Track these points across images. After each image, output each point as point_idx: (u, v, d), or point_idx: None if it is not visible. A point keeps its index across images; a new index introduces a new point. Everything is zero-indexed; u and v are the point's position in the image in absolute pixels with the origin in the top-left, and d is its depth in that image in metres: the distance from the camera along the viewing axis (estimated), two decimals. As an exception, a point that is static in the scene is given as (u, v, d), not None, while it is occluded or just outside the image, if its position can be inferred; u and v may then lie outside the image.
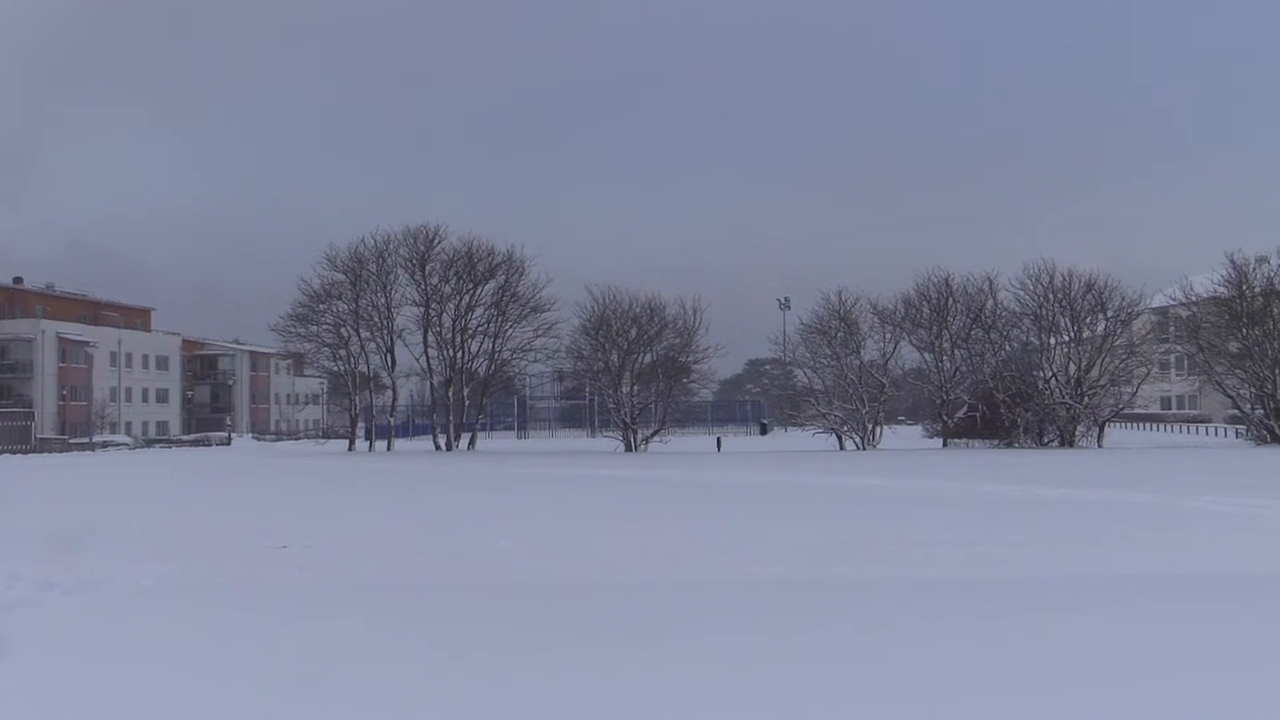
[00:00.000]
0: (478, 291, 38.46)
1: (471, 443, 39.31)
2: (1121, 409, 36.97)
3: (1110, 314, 35.60)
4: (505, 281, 38.25)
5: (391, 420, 42.23)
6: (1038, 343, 36.65)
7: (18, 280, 68.02)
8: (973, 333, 36.51)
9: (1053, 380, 35.54)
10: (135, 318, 76.13)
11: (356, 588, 7.47)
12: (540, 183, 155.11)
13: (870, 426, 36.17)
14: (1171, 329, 40.23)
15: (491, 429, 53.38)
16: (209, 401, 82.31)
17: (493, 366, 39.42)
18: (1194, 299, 36.71)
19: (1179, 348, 40.41)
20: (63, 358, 64.68)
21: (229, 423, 76.01)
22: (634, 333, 37.28)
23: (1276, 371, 33.70)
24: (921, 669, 4.72)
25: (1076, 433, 35.11)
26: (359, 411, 41.17)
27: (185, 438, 60.98)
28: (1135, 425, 52.64)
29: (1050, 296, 35.71)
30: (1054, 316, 35.84)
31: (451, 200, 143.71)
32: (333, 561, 8.74)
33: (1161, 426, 55.68)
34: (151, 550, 9.48)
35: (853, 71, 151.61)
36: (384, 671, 4.80)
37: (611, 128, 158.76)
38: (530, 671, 4.80)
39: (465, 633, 5.71)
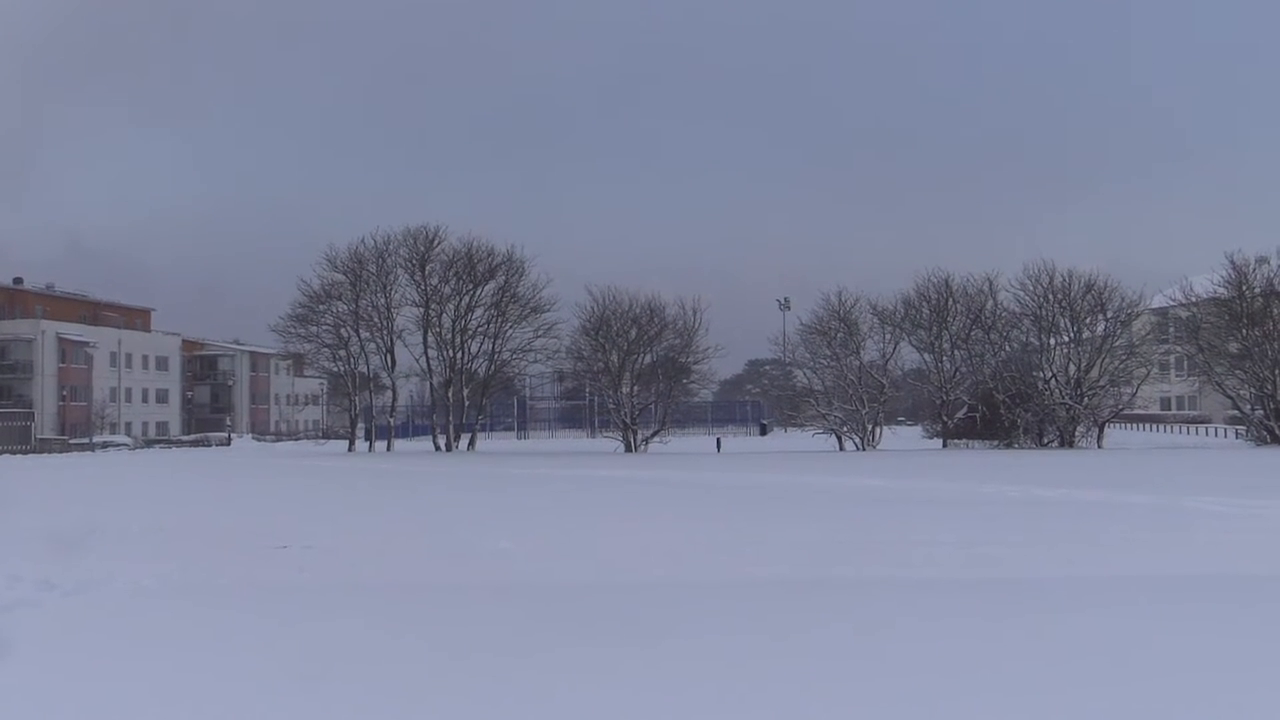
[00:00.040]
0: (478, 292, 38.49)
1: (471, 443, 39.31)
2: (1121, 410, 36.99)
3: (1110, 314, 35.62)
4: (505, 282, 38.28)
5: (391, 421, 42.25)
6: (1037, 343, 36.67)
7: (18, 280, 68.02)
8: (972, 333, 36.53)
9: (1052, 381, 35.55)
10: (135, 318, 76.12)
11: (356, 588, 7.47)
12: (540, 183, 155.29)
13: (870, 427, 36.18)
14: (1171, 330, 40.25)
15: (491, 429, 53.37)
16: (209, 402, 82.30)
17: (492, 367, 39.44)
18: (1194, 299, 36.72)
19: (1179, 348, 40.44)
20: (63, 358, 64.67)
21: (229, 423, 75.98)
22: (634, 333, 37.30)
23: (1276, 372, 33.70)
24: (921, 669, 4.73)
25: (1076, 433, 35.12)
26: (359, 412, 41.17)
27: (185, 438, 60.95)
28: (1135, 426, 52.65)
29: (1050, 297, 35.74)
30: (1054, 317, 35.86)
31: (451, 200, 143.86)
32: (333, 562, 8.74)
33: (1161, 427, 55.67)
34: (151, 551, 9.48)
35: (853, 71, 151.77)
36: (384, 672, 4.80)
37: (611, 128, 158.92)
38: (530, 672, 4.80)
39: (465, 633, 5.71)
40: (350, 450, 39.52)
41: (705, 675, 4.68)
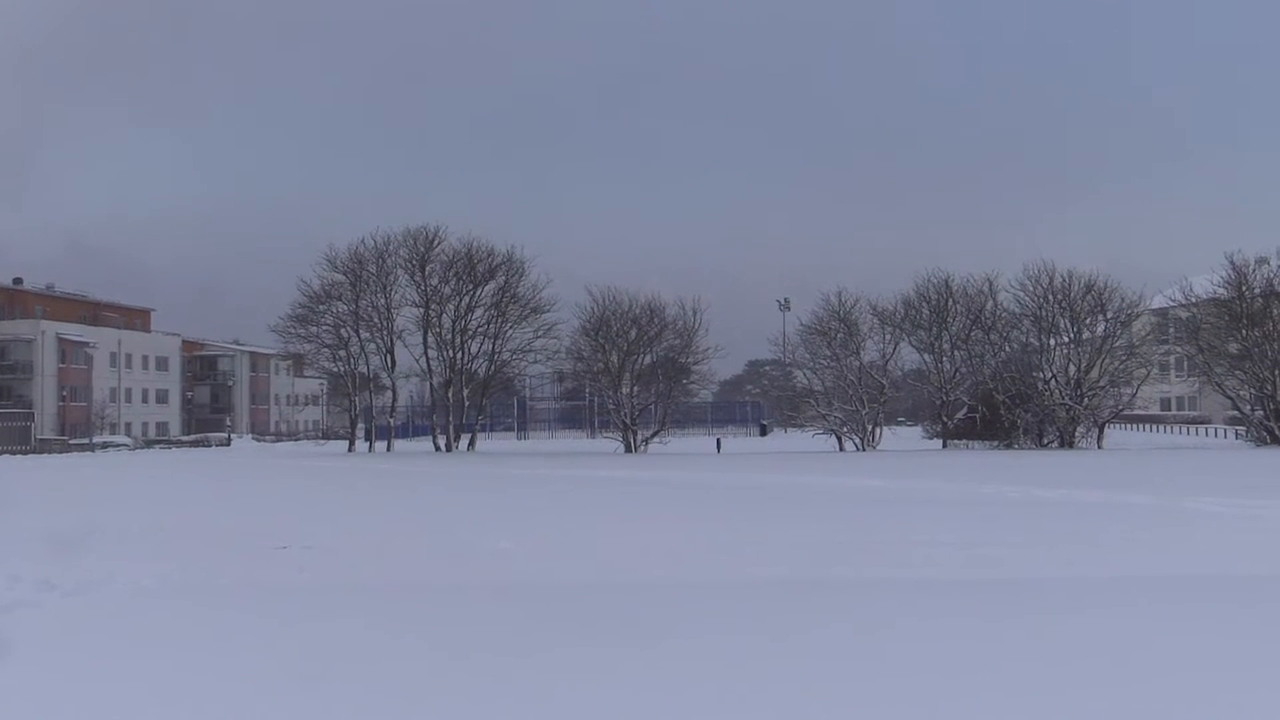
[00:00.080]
0: (477, 292, 38.52)
1: (471, 443, 39.32)
2: (1121, 410, 36.99)
3: (1110, 315, 35.64)
4: (505, 282, 38.31)
5: (391, 421, 42.26)
6: (1037, 344, 36.68)
7: (18, 281, 68.03)
8: (972, 334, 36.55)
9: (1052, 381, 35.55)
10: (135, 318, 76.12)
11: (356, 588, 7.47)
12: (540, 183, 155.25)
13: (870, 428, 36.19)
14: (1171, 330, 40.27)
15: (491, 430, 53.38)
16: (209, 402, 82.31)
17: (492, 367, 39.46)
18: (1194, 300, 36.73)
19: (1179, 349, 40.44)
20: (62, 358, 64.67)
21: (229, 423, 75.98)
22: (634, 334, 37.32)
23: (1276, 373, 33.70)
24: (921, 669, 4.73)
25: (1076, 434, 35.12)
26: (359, 412, 41.20)
27: (185, 438, 60.94)
28: (1135, 426, 52.66)
29: (1050, 297, 35.76)
30: (1054, 317, 35.88)
31: (451, 200, 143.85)
32: (332, 562, 8.74)
33: (1161, 428, 55.68)
34: (151, 551, 9.48)
35: (853, 71, 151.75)
36: (384, 672, 4.80)
37: (611, 128, 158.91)
38: (530, 672, 4.80)
39: (465, 633, 5.71)
40: (350, 450, 39.53)
41: (705, 675, 4.68)
